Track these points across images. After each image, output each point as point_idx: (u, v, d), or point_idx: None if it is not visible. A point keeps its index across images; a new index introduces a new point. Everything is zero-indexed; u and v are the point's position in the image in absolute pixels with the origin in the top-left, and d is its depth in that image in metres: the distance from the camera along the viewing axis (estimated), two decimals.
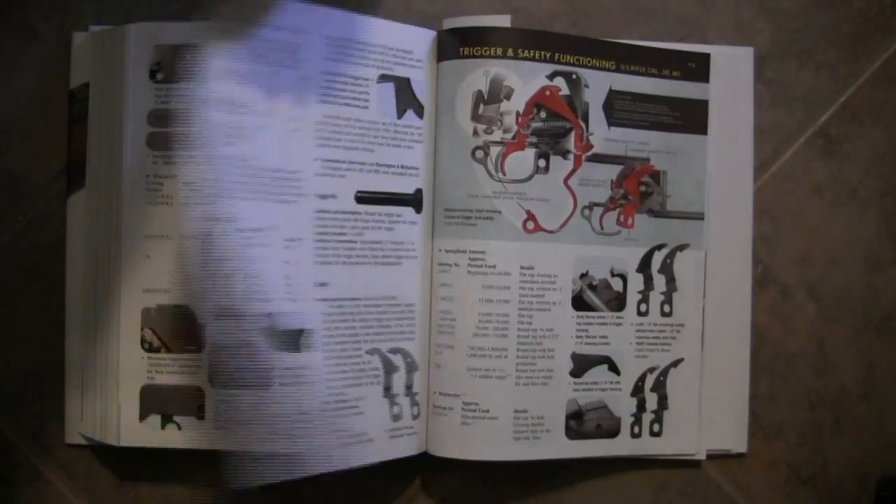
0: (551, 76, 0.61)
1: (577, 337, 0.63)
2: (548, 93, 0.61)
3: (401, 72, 0.61)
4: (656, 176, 0.64)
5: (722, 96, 0.65)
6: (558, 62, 0.61)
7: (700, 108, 0.65)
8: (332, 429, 0.60)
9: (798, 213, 0.67)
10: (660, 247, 0.64)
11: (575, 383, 0.63)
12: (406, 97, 0.61)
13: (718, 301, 0.65)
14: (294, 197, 0.60)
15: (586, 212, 0.62)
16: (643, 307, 0.64)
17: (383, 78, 0.61)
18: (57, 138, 0.65)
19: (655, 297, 0.64)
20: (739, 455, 0.66)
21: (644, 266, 0.64)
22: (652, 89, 0.64)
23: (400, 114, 0.61)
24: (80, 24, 0.65)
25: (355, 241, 0.60)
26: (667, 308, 0.64)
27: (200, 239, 0.57)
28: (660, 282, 0.64)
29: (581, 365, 0.63)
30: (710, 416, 0.65)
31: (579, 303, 0.63)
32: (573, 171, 0.62)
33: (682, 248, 0.64)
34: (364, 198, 0.61)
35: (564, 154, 0.62)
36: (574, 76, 0.62)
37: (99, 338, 0.62)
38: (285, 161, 0.60)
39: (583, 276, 0.63)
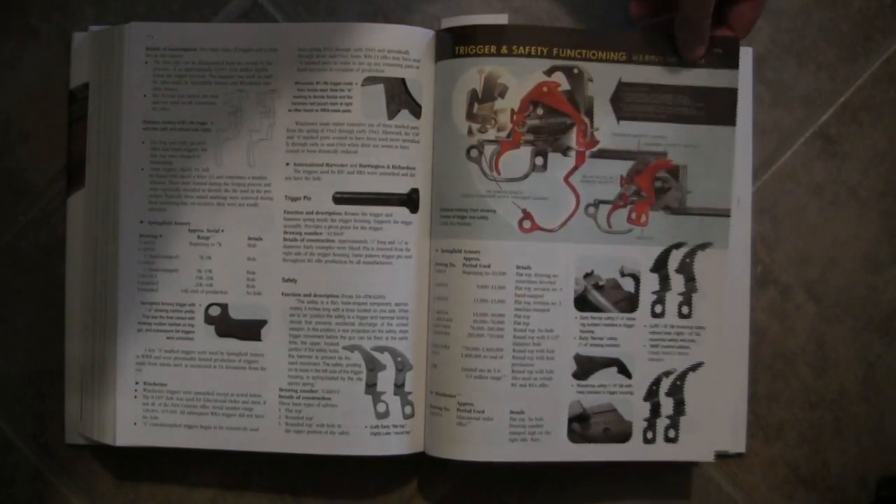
0: (549, 71, 0.60)
1: (581, 338, 0.61)
2: (545, 89, 0.60)
3: (393, 73, 0.61)
4: (675, 171, 0.62)
5: None
6: (556, 57, 0.60)
7: (727, 97, 0.61)
8: (288, 413, 0.61)
9: (798, 212, 0.66)
10: (678, 245, 0.62)
11: (579, 385, 0.61)
12: (399, 98, 0.61)
13: None
14: (259, 200, 0.61)
15: (591, 210, 0.61)
16: (658, 308, 0.62)
17: (369, 80, 0.61)
18: (57, 138, 0.65)
19: (672, 298, 0.62)
20: (739, 455, 0.66)
21: (659, 266, 0.62)
22: (670, 79, 0.61)
23: (392, 114, 0.61)
24: (80, 24, 0.65)
25: (332, 241, 0.61)
26: (685, 310, 0.62)
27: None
28: (678, 282, 0.62)
29: (585, 367, 0.62)
30: None
31: (583, 303, 0.62)
32: (575, 168, 0.61)
33: (703, 246, 0.62)
34: (343, 199, 0.61)
35: (565, 151, 0.61)
36: (575, 70, 0.60)
37: (98, 337, 0.63)
38: (250, 169, 0.61)
39: (587, 275, 0.61)
